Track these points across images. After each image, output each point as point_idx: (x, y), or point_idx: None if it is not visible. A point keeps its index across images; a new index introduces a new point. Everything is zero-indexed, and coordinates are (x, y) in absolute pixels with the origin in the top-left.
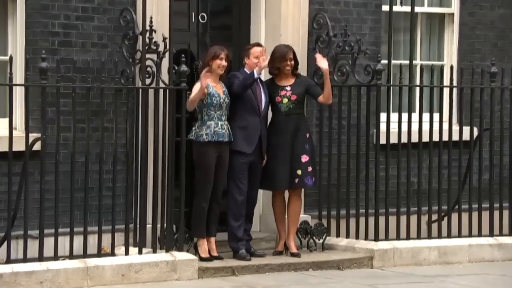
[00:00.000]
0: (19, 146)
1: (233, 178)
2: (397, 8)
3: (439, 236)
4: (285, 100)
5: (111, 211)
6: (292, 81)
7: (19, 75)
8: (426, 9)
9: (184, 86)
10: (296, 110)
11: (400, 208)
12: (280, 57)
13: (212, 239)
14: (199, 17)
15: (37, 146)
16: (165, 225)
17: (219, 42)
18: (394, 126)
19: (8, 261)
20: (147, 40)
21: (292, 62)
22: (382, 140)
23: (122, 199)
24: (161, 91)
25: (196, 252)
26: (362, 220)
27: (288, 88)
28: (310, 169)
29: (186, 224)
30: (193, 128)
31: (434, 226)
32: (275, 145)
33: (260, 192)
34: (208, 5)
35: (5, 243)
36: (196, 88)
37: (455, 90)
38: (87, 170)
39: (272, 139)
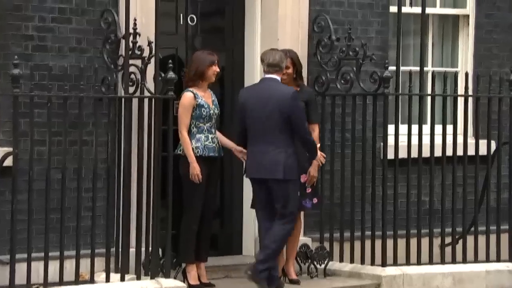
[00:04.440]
0: None
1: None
2: (406, 9)
3: (453, 261)
4: None
5: (90, 233)
6: None
7: None
8: (438, 10)
9: (171, 95)
10: None
11: (410, 230)
12: None
13: (202, 265)
14: (188, 19)
15: (8, 162)
16: (150, 248)
17: (210, 46)
18: (403, 139)
19: None
20: (131, 44)
21: (290, 70)
22: (390, 155)
23: (102, 220)
24: (146, 100)
25: (184, 278)
26: (368, 243)
27: None
28: (309, 190)
29: (173, 248)
30: (181, 142)
31: (448, 250)
32: None
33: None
34: (198, 6)
35: None
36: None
37: (470, 100)
38: (63, 188)
39: None
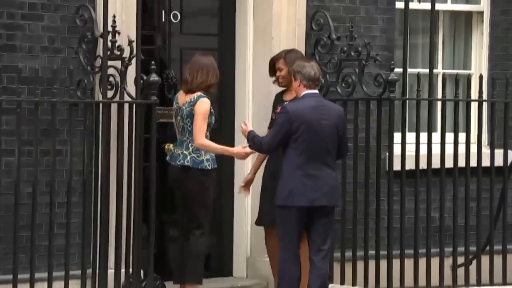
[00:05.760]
0: None
1: None
2: (414, 4)
3: (467, 283)
4: None
5: (64, 253)
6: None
7: None
8: (449, 6)
9: (154, 100)
10: None
11: (419, 250)
12: (269, 67)
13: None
14: (171, 16)
15: None
16: (130, 270)
17: (196, 46)
18: (410, 149)
19: None
20: (109, 44)
21: (283, 73)
22: (396, 166)
23: (78, 239)
24: (126, 106)
25: None
26: (372, 263)
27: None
28: None
29: (156, 269)
30: (186, 152)
31: (461, 271)
32: (267, 173)
33: (247, 230)
34: (182, 2)
35: None
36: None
37: (485, 105)
38: (34, 203)
39: (267, 166)
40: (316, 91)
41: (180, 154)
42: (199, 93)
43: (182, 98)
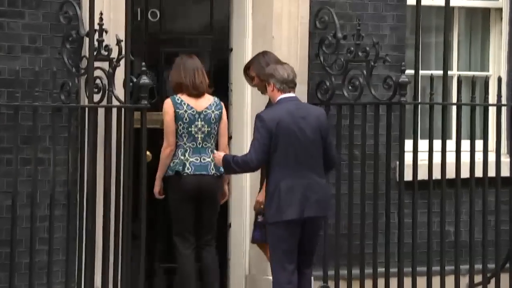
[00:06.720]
0: None
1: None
2: (426, 1)
3: None
4: None
5: (46, 271)
6: None
7: None
8: (465, 2)
9: (145, 105)
10: None
11: (432, 267)
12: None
13: None
14: (149, 14)
15: None
16: None
17: (179, 49)
18: (423, 157)
19: None
20: (96, 43)
21: (256, 81)
22: (408, 176)
23: (61, 255)
24: (114, 110)
25: None
26: (381, 282)
27: None
28: (260, 218)
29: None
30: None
31: None
32: None
33: (246, 246)
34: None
35: None
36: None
37: (504, 110)
38: (14, 216)
39: None
40: (292, 94)
41: (211, 162)
42: (212, 96)
43: (194, 103)
